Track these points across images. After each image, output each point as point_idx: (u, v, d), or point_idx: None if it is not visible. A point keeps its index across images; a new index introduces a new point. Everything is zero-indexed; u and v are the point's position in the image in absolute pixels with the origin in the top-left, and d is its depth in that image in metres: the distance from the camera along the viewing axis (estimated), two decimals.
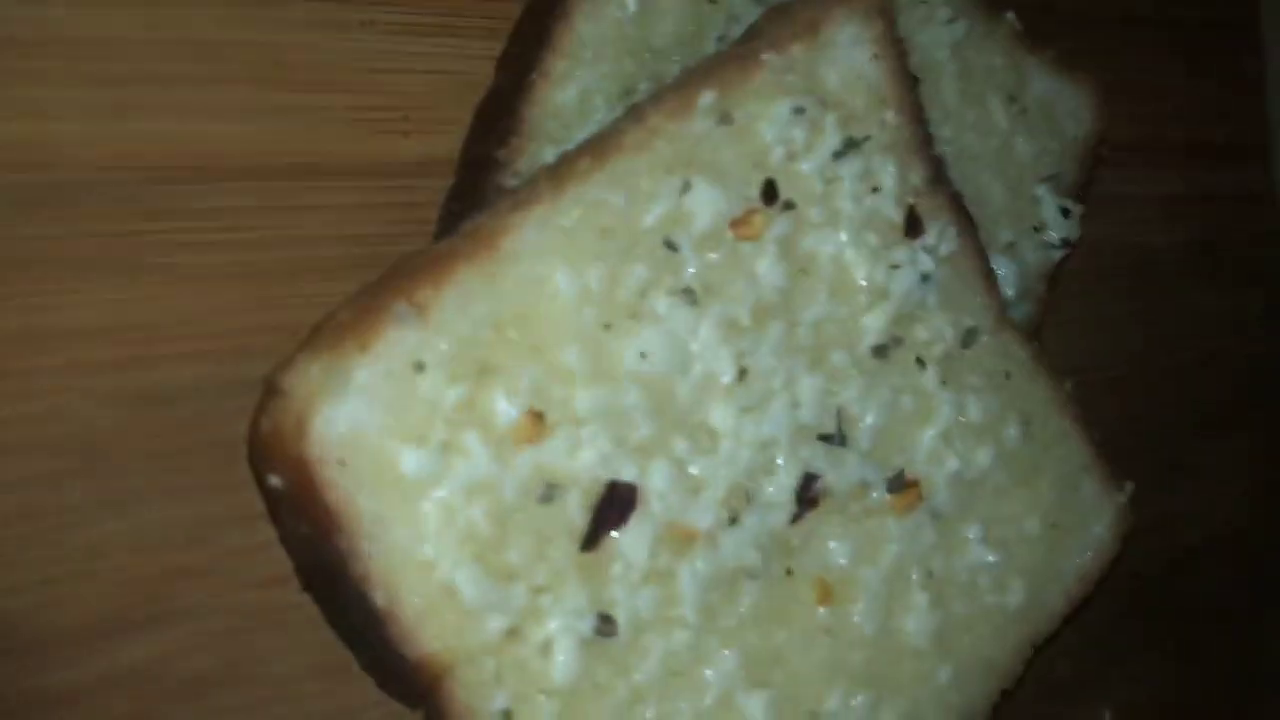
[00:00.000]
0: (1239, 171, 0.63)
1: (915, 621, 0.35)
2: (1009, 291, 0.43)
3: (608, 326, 0.31)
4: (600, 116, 0.36)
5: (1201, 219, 0.60)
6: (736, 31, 0.38)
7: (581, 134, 0.35)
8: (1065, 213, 0.45)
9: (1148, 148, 0.58)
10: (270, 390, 0.27)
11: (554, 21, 0.35)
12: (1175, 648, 0.56)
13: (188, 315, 0.31)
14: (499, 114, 0.35)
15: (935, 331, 0.37)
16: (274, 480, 0.27)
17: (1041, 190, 0.45)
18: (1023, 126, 0.45)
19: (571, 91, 0.35)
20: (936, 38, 0.44)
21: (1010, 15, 0.47)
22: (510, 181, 0.35)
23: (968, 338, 0.38)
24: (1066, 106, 0.47)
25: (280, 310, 0.33)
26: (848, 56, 0.36)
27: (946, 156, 0.42)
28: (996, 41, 0.46)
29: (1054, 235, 0.45)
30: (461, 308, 0.29)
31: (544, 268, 0.30)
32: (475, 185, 0.35)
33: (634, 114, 0.32)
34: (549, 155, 0.34)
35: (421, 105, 0.36)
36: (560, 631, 0.29)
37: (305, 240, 0.34)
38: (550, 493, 0.30)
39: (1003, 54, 0.46)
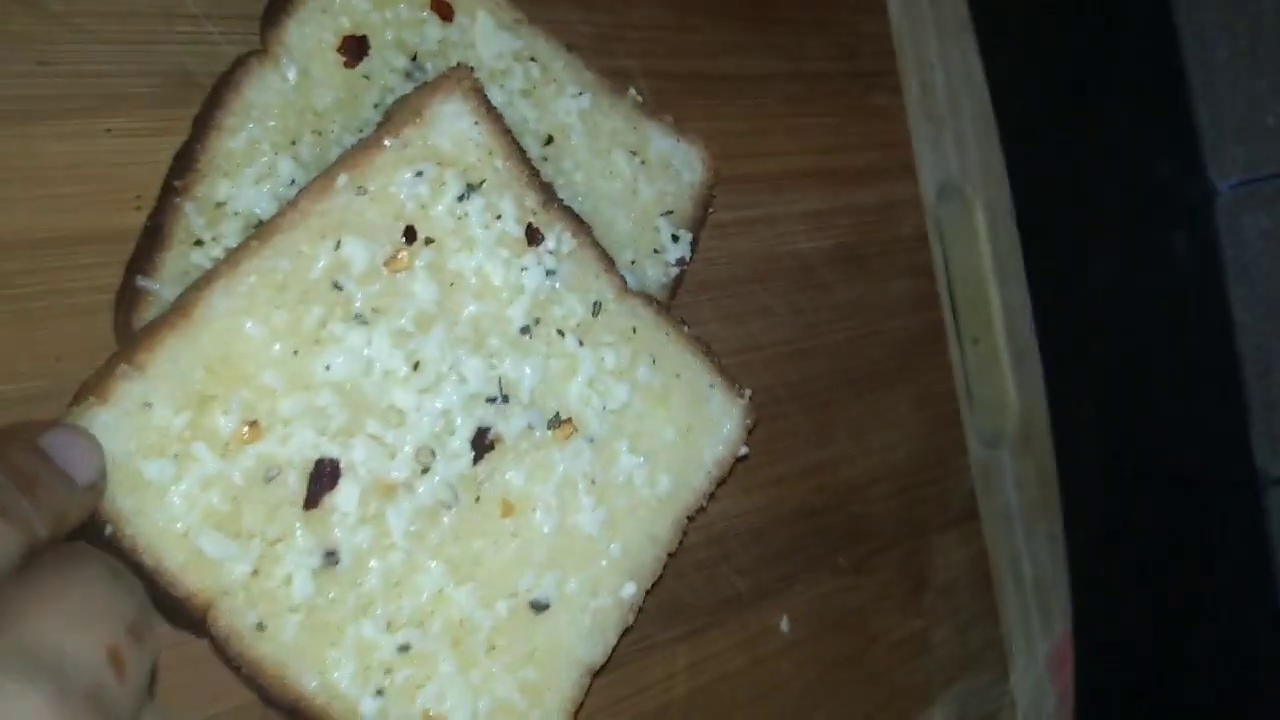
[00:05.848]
0: (881, 187, 0.78)
1: (585, 517, 0.48)
2: None
3: (296, 353, 0.44)
4: (266, 159, 0.47)
5: (847, 227, 0.75)
6: (390, 100, 0.50)
7: (250, 169, 0.47)
8: (675, 239, 0.59)
9: (791, 176, 0.72)
10: None
11: (226, 88, 0.47)
12: (849, 564, 0.69)
13: None
14: (185, 157, 0.46)
15: (568, 309, 0.50)
16: None
17: (660, 222, 0.59)
18: (644, 175, 0.59)
19: (241, 139, 0.47)
20: (567, 107, 0.57)
21: (633, 90, 0.61)
22: (192, 216, 0.45)
23: (596, 309, 0.51)
24: (682, 159, 0.61)
25: (46, 344, 0.44)
26: (453, 126, 0.49)
27: (580, 195, 0.56)
28: (620, 110, 0.59)
29: (670, 256, 0.59)
30: (173, 361, 0.41)
31: (234, 322, 0.42)
32: (157, 233, 0.45)
33: (289, 202, 0.45)
34: (221, 189, 0.46)
35: (151, 187, 0.47)
36: (295, 567, 0.42)
37: (65, 291, 0.45)
38: (272, 474, 0.42)
39: (624, 120, 0.59)
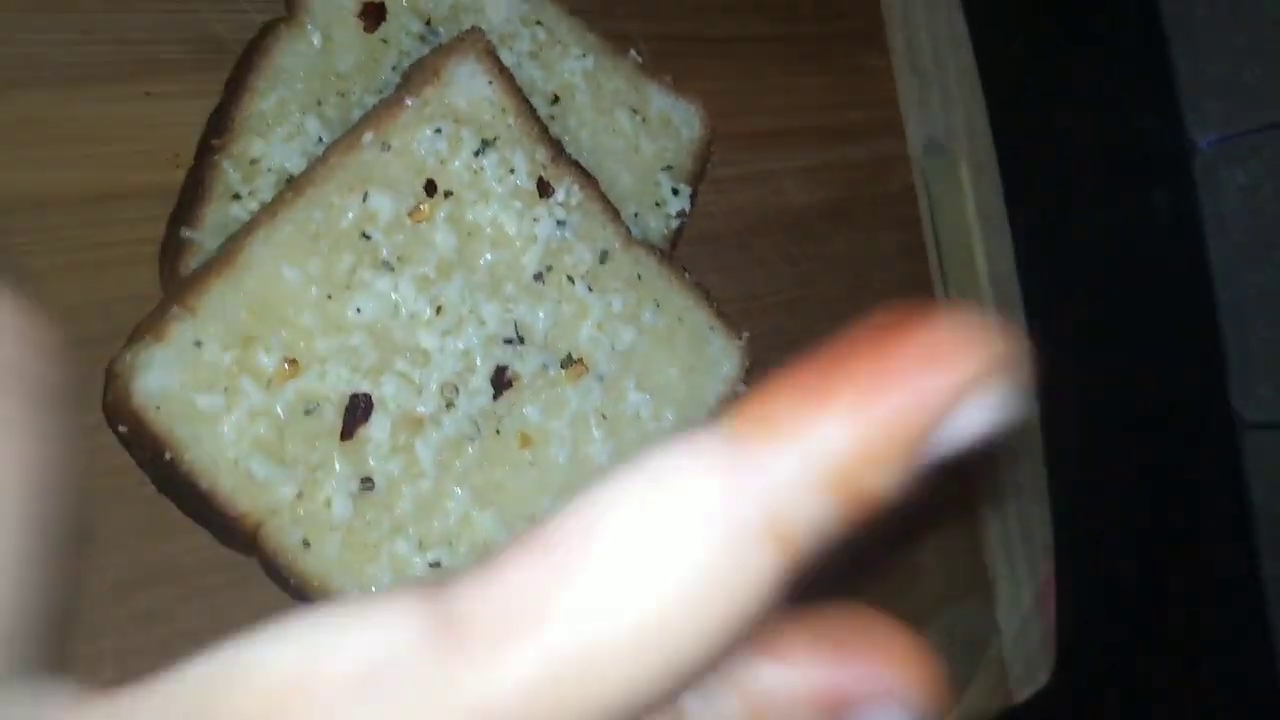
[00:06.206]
0: (871, 143, 0.81)
1: (596, 449, 0.52)
2: None
3: (329, 296, 0.47)
4: (295, 119, 0.50)
5: (838, 182, 0.78)
6: (406, 62, 0.54)
7: (280, 128, 0.50)
8: (675, 192, 0.62)
9: (784, 133, 0.75)
10: (108, 375, 0.43)
11: (255, 53, 0.50)
12: None
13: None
14: (220, 117, 0.50)
15: (578, 257, 0.54)
16: (122, 428, 0.43)
17: (661, 177, 0.62)
18: (645, 132, 0.62)
19: (272, 101, 0.50)
20: (572, 68, 0.60)
21: (633, 52, 0.64)
22: (229, 172, 0.49)
23: (603, 257, 0.55)
24: (681, 117, 0.64)
25: (97, 291, 0.47)
26: (468, 86, 0.52)
27: (585, 151, 0.59)
28: (621, 71, 0.62)
29: (671, 209, 0.62)
30: (220, 304, 0.45)
31: (273, 268, 0.46)
32: (198, 188, 0.49)
33: (319, 158, 0.49)
34: (255, 146, 0.49)
35: (188, 146, 0.50)
36: (334, 491, 0.46)
37: (112, 244, 0.48)
38: (311, 408, 0.46)
39: (626, 80, 0.62)
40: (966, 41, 0.92)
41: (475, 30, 0.52)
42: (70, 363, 0.45)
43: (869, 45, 0.83)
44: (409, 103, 0.50)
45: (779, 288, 0.74)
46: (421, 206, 0.50)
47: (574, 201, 0.54)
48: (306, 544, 0.45)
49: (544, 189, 0.53)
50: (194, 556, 0.47)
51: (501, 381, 0.51)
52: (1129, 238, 1.05)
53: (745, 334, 0.58)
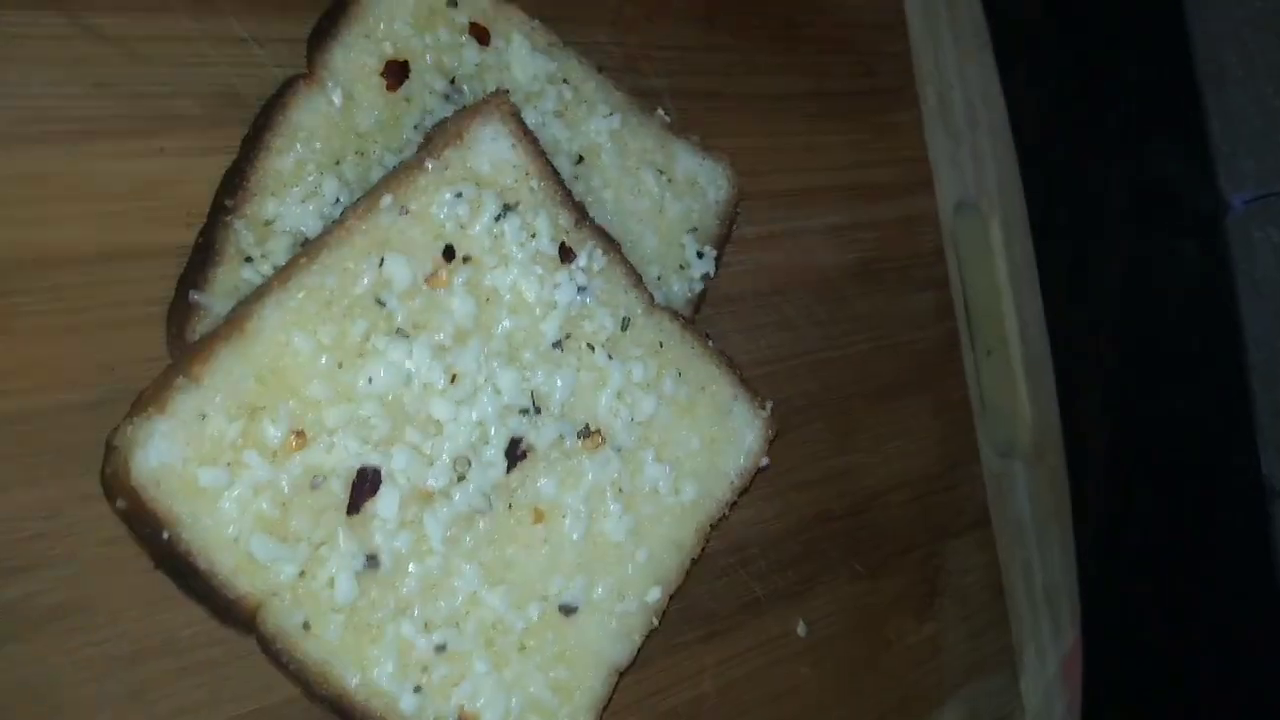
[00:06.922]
0: (901, 202, 0.79)
1: (613, 524, 0.50)
2: None
3: (340, 365, 0.46)
4: (312, 179, 0.49)
5: (866, 241, 0.76)
6: (429, 121, 0.53)
7: (296, 189, 0.48)
8: (700, 255, 0.60)
9: (812, 191, 0.74)
10: (107, 448, 0.42)
11: (274, 110, 0.49)
12: (865, 569, 0.70)
13: (35, 361, 0.45)
14: (235, 176, 0.48)
15: (598, 324, 0.52)
16: (120, 504, 0.41)
17: (686, 239, 0.60)
18: (671, 193, 0.60)
19: (289, 160, 0.49)
20: (598, 127, 0.59)
21: (660, 111, 0.62)
22: (242, 233, 0.47)
23: (625, 324, 0.53)
24: (708, 177, 0.62)
25: (101, 352, 0.46)
26: (491, 148, 0.51)
27: (608, 213, 0.57)
28: (649, 129, 0.61)
29: (695, 272, 0.60)
30: (226, 373, 0.43)
31: (283, 335, 0.44)
32: (209, 250, 0.47)
33: (336, 220, 0.47)
34: (269, 207, 0.48)
35: (201, 205, 0.49)
36: (338, 570, 0.44)
37: (119, 304, 0.47)
38: (317, 482, 0.44)
39: (653, 139, 0.61)
40: (999, 98, 0.90)
41: (500, 92, 0.51)
42: (69, 427, 0.44)
43: (899, 102, 0.81)
44: (429, 165, 0.49)
45: (804, 349, 0.72)
46: (439, 272, 0.48)
47: (596, 267, 0.52)
48: (307, 626, 0.43)
49: (566, 254, 0.51)
50: (192, 630, 0.45)
51: (516, 453, 0.49)
52: (1161, 296, 1.03)
53: (770, 404, 0.56)
